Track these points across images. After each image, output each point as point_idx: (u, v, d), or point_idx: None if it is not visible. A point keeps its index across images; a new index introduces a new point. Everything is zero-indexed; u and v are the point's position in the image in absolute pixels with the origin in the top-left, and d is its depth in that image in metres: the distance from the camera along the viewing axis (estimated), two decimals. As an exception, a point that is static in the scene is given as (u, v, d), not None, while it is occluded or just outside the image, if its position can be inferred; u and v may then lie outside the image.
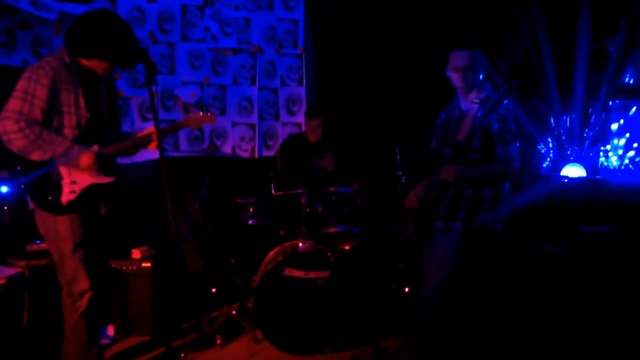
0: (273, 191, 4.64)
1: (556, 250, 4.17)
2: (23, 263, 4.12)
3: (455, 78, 3.45)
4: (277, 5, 5.76)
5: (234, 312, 4.58)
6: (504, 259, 3.67)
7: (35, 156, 3.10)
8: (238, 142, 5.72)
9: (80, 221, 3.30)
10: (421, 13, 5.57)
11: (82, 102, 3.24)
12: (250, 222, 4.68)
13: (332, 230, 4.45)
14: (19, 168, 3.19)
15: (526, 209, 4.29)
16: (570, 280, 4.02)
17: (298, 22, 5.83)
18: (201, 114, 3.89)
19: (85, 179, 3.26)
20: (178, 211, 5.52)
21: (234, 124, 5.70)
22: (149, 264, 4.51)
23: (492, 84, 3.59)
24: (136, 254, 4.57)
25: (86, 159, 3.21)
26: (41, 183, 3.20)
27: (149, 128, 3.61)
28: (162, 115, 5.43)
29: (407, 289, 4.76)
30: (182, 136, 5.52)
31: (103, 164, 3.31)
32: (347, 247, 4.54)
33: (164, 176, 2.93)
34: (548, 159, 5.06)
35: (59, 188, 3.22)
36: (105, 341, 4.34)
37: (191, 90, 5.52)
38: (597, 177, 4.74)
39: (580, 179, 4.71)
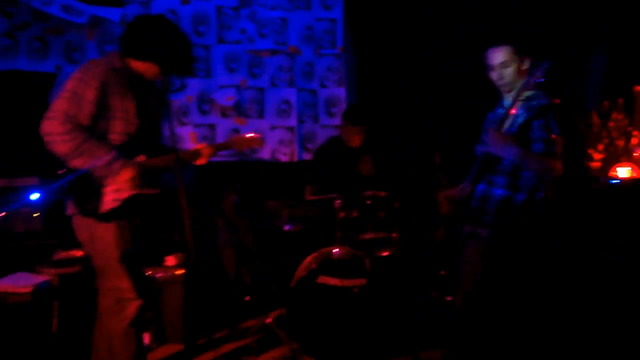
0: (307, 196, 4.51)
1: (610, 257, 3.91)
2: (52, 271, 4.09)
3: (493, 76, 3.32)
4: (315, 4, 5.64)
5: (269, 320, 4.45)
6: (538, 268, 3.42)
7: (76, 163, 2.98)
8: (277, 145, 5.62)
9: (124, 228, 3.20)
10: (463, 12, 5.38)
11: (132, 108, 3.14)
12: (285, 228, 4.56)
13: (368, 236, 4.28)
14: (61, 172, 3.06)
15: (577, 214, 4.03)
16: (626, 288, 3.75)
17: (336, 21, 5.69)
18: (247, 135, 3.75)
19: (129, 188, 3.15)
20: (217, 217, 5.44)
21: (273, 127, 5.60)
22: (182, 271, 4.42)
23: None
24: (170, 260, 4.49)
25: (127, 174, 3.09)
26: (84, 188, 3.08)
27: (199, 145, 3.53)
28: (198, 119, 5.37)
29: (449, 298, 4.53)
30: (220, 140, 5.43)
31: (146, 176, 3.20)
32: (384, 254, 4.35)
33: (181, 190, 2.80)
34: (598, 160, 4.77)
35: (100, 195, 3.10)
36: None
37: (228, 93, 5.44)
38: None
39: (633, 180, 4.41)
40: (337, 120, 5.70)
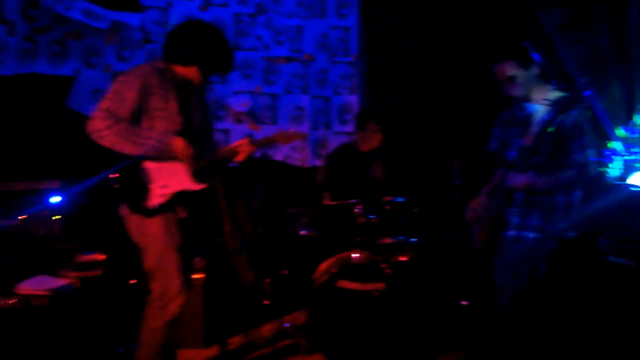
0: (326, 201, 4.54)
1: (626, 262, 3.95)
2: (74, 274, 4.10)
3: (504, 91, 3.29)
4: (330, 13, 5.71)
5: (286, 324, 4.47)
6: (575, 267, 3.48)
7: (128, 150, 3.11)
8: (289, 151, 5.66)
9: (171, 222, 3.30)
10: (478, 17, 5.44)
11: (174, 107, 3.26)
12: (302, 233, 4.59)
13: (387, 240, 4.32)
14: (111, 174, 3.21)
15: (593, 220, 4.08)
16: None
17: (350, 29, 5.75)
18: (293, 129, 3.85)
19: (176, 184, 3.28)
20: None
21: (286, 133, 5.63)
22: (200, 276, 4.43)
23: (561, 79, 3.45)
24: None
25: (179, 141, 3.22)
26: (133, 186, 3.23)
27: (240, 140, 3.61)
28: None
29: (465, 302, 4.58)
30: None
31: (196, 169, 3.34)
32: (403, 259, 4.40)
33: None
34: (617, 165, 4.82)
35: (147, 191, 3.23)
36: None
37: (243, 99, 5.49)
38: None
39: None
40: (349, 127, 5.75)
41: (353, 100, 5.81)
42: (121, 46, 5.12)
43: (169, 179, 3.27)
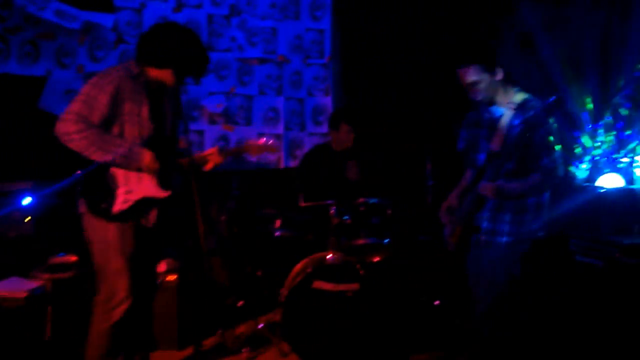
0: (301, 202, 4.56)
1: (593, 262, 4.03)
2: (46, 276, 4.07)
3: (468, 95, 3.31)
4: (304, 15, 5.75)
5: (261, 325, 4.49)
6: (543, 268, 3.55)
7: (96, 157, 3.09)
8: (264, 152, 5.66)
9: (128, 230, 3.30)
10: (452, 18, 5.50)
11: (145, 112, 3.25)
12: (277, 234, 4.61)
13: (361, 241, 4.36)
14: (79, 172, 3.17)
15: (562, 220, 4.15)
16: (609, 293, 3.87)
17: (324, 31, 5.79)
18: (262, 141, 3.81)
19: (140, 191, 3.27)
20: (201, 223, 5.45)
21: (260, 135, 5.65)
22: (174, 277, 4.43)
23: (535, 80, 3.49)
24: (161, 266, 4.48)
25: (148, 156, 3.20)
26: (98, 188, 3.21)
27: (209, 149, 3.63)
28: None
29: (437, 302, 4.64)
30: (208, 146, 5.47)
31: (161, 177, 3.32)
32: (376, 259, 4.44)
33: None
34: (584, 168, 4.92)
35: (113, 196, 3.22)
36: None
37: (217, 100, 5.49)
38: (636, 187, 4.57)
39: (618, 189, 4.56)
40: (323, 129, 5.79)
41: (327, 101, 5.85)
42: (94, 47, 5.08)
43: (134, 185, 3.26)
